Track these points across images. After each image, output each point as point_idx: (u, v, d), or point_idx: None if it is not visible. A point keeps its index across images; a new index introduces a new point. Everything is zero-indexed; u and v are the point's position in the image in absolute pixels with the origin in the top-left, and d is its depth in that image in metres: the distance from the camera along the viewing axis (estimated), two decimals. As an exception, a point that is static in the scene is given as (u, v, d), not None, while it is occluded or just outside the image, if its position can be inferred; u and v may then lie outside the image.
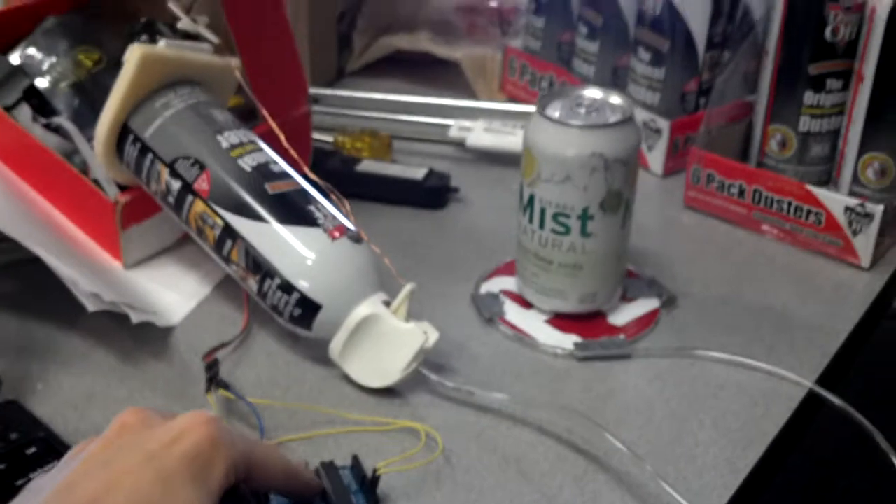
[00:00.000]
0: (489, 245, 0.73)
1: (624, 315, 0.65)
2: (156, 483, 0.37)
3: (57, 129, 0.72)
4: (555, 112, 0.61)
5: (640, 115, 0.82)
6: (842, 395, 0.59)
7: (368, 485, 0.50)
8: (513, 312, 0.65)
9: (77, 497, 0.36)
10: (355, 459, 0.52)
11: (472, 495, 0.52)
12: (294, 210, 0.59)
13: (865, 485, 1.37)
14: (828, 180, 0.78)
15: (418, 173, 0.79)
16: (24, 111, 0.74)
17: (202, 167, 0.60)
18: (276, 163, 0.61)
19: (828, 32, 0.73)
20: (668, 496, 0.51)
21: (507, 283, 0.68)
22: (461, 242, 0.74)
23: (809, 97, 0.75)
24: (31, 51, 0.78)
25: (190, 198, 0.60)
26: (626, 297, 0.67)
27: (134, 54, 0.60)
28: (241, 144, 0.61)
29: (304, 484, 0.47)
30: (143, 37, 0.72)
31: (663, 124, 0.82)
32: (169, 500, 0.37)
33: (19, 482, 0.50)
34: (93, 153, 0.67)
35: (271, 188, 0.59)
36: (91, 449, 0.39)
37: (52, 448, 0.52)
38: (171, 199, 0.61)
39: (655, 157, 0.83)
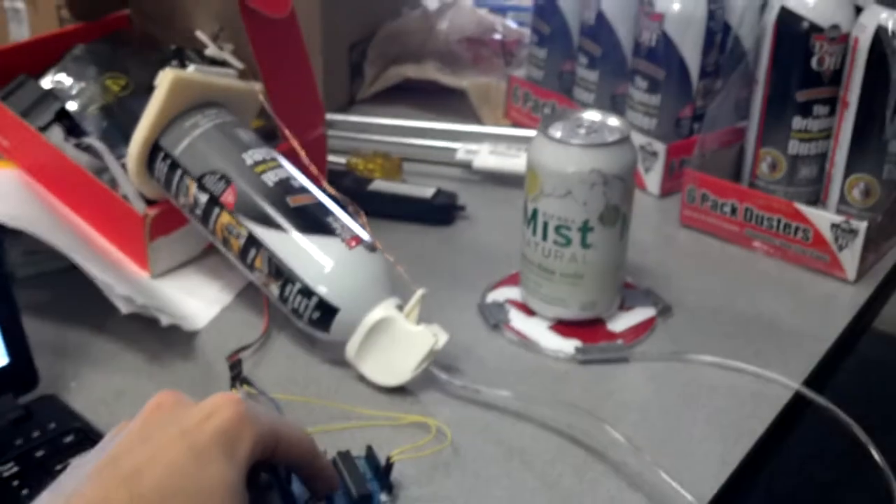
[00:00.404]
0: (494, 258, 0.77)
1: (622, 322, 0.69)
2: (190, 456, 0.41)
3: (87, 149, 0.76)
4: (557, 132, 0.65)
5: (638, 139, 0.86)
6: (827, 398, 0.63)
7: (382, 472, 0.54)
8: (517, 319, 0.69)
9: (120, 469, 0.40)
10: (369, 450, 0.55)
11: (479, 482, 0.55)
12: (313, 221, 0.63)
13: (845, 475, 1.41)
14: (816, 200, 0.82)
15: (427, 192, 0.83)
16: (56, 132, 0.78)
17: (228, 182, 0.64)
18: (296, 178, 0.66)
19: (814, 62, 0.77)
20: (664, 484, 0.54)
21: (512, 292, 0.72)
22: (468, 256, 0.79)
23: (798, 122, 0.80)
24: (61, 76, 0.83)
25: (216, 210, 0.64)
26: (625, 307, 0.71)
27: (165, 78, 0.65)
28: (265, 161, 0.66)
29: (324, 468, 0.50)
30: (174, 62, 0.77)
31: (660, 148, 0.86)
32: (202, 472, 0.41)
33: (58, 467, 0.54)
34: (122, 170, 0.72)
35: (292, 201, 0.64)
36: (130, 427, 0.43)
37: (87, 437, 0.56)
38: (198, 212, 0.66)
39: (652, 179, 0.87)
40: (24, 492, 0.52)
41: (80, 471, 0.41)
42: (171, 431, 0.42)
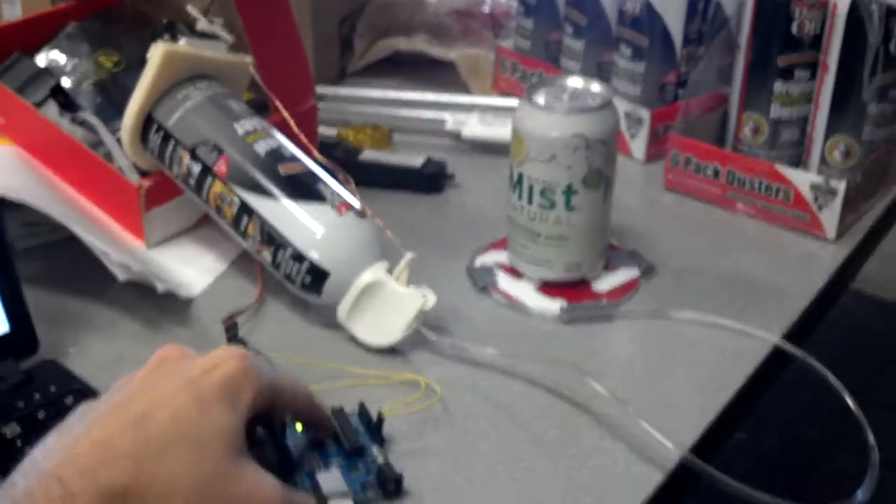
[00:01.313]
0: (482, 225, 0.78)
1: (606, 283, 0.71)
2: (193, 403, 0.43)
3: (82, 123, 0.78)
4: (541, 99, 0.67)
5: (623, 105, 0.88)
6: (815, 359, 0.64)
7: (374, 427, 0.56)
8: (505, 282, 0.71)
9: (127, 414, 0.42)
10: (362, 406, 0.57)
11: (468, 436, 0.57)
12: (304, 188, 0.65)
13: (831, 434, 1.43)
14: (798, 163, 0.84)
15: (417, 161, 0.85)
16: (52, 108, 0.80)
17: (220, 151, 0.66)
18: (286, 147, 0.67)
19: (794, 27, 0.79)
20: (645, 434, 0.56)
21: (500, 256, 0.74)
22: (457, 223, 0.81)
23: (779, 86, 0.81)
24: (55, 53, 0.84)
25: (209, 179, 0.66)
26: (609, 268, 0.72)
27: (157, 51, 0.67)
28: (256, 131, 0.67)
29: (321, 417, 0.52)
30: (165, 36, 0.78)
31: (644, 114, 0.88)
32: (204, 418, 0.43)
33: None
34: (116, 143, 0.73)
35: (283, 170, 0.65)
36: (136, 377, 0.45)
37: (87, 398, 0.57)
38: (191, 182, 0.67)
39: (638, 145, 0.89)
40: (27, 451, 0.54)
41: (88, 415, 0.43)
42: (176, 381, 0.44)
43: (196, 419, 0.43)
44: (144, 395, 0.43)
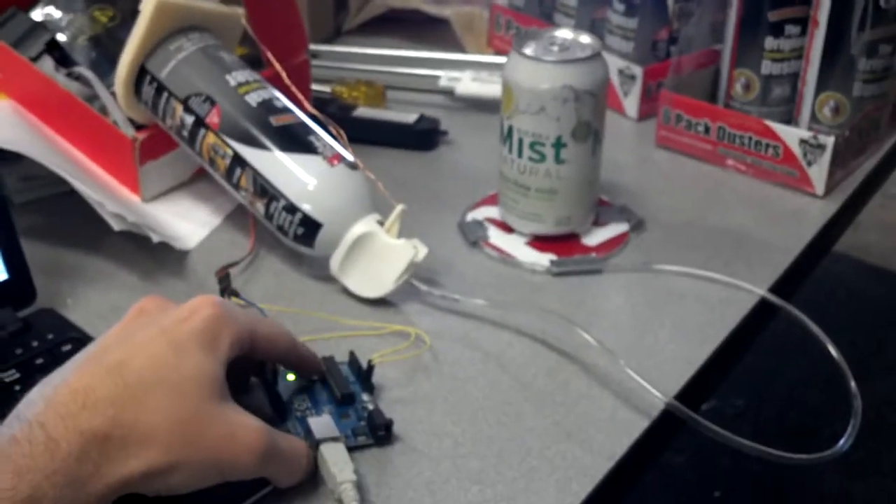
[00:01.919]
0: (475, 181, 0.79)
1: (596, 237, 0.72)
2: (170, 350, 0.44)
3: (78, 78, 0.78)
4: (529, 50, 0.67)
5: (616, 62, 0.88)
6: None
7: (364, 374, 0.57)
8: (496, 236, 0.72)
9: (104, 362, 0.43)
10: (352, 355, 0.58)
11: (457, 383, 0.59)
12: (296, 140, 0.65)
13: (805, 372, 1.45)
14: (789, 120, 0.84)
15: (410, 118, 0.86)
16: (47, 62, 0.80)
17: (213, 103, 0.66)
18: (279, 99, 0.68)
19: (785, -19, 0.79)
20: (631, 381, 0.57)
21: (491, 211, 0.74)
22: (449, 179, 0.81)
23: (770, 42, 0.81)
24: (50, 8, 0.85)
25: (202, 131, 0.67)
26: (599, 222, 0.73)
27: (149, 2, 0.67)
28: (248, 83, 0.68)
29: (306, 356, 0.54)
30: (158, -13, 0.78)
31: (637, 71, 0.88)
32: (182, 363, 0.44)
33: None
34: (111, 97, 0.74)
35: (275, 121, 0.66)
36: (114, 328, 0.46)
37: (83, 345, 0.58)
38: (185, 133, 0.68)
39: (630, 102, 0.90)
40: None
41: (67, 367, 0.44)
42: (152, 330, 0.45)
43: (173, 364, 0.44)
44: (121, 345, 0.45)
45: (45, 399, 0.42)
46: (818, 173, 0.77)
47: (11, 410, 0.52)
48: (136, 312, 0.48)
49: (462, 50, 1.01)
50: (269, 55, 0.71)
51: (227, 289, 0.64)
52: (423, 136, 0.85)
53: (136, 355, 0.44)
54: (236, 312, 0.48)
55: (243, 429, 0.45)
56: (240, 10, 0.73)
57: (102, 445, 0.41)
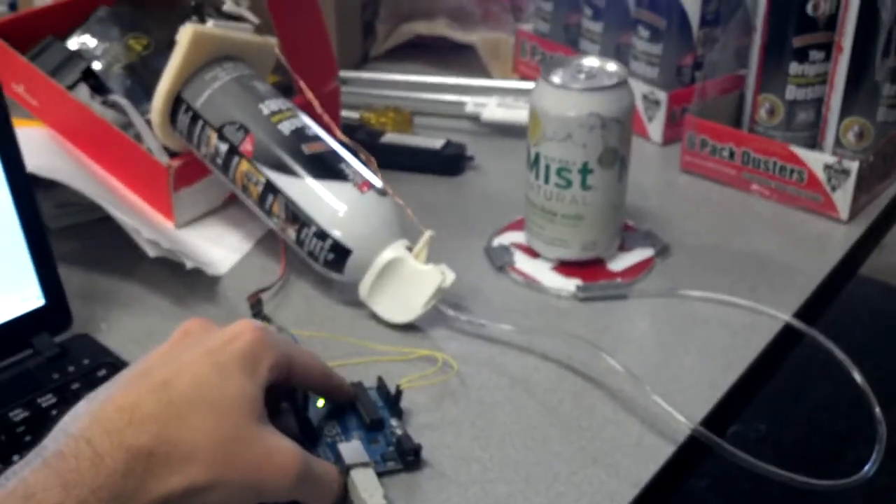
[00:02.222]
0: (501, 206, 0.80)
1: (622, 262, 0.73)
2: (213, 370, 0.45)
3: (113, 106, 0.80)
4: (557, 78, 0.68)
5: (641, 88, 0.89)
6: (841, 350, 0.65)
7: (393, 399, 0.58)
8: (522, 261, 0.73)
9: (151, 379, 0.45)
10: (380, 380, 0.59)
11: (484, 408, 0.59)
12: (327, 168, 0.67)
13: (829, 397, 1.43)
14: (814, 144, 0.85)
15: (437, 143, 0.87)
16: (83, 91, 0.82)
17: (246, 131, 0.68)
18: (310, 127, 0.69)
19: (809, 7, 0.80)
20: (657, 407, 0.58)
21: (517, 236, 0.75)
22: (475, 204, 0.82)
23: (794, 68, 0.82)
24: (86, 37, 0.87)
25: (236, 159, 0.68)
26: (624, 247, 0.74)
27: (186, 33, 0.69)
28: (281, 111, 0.69)
29: (338, 385, 0.55)
30: (193, 18, 0.80)
31: (662, 96, 0.89)
32: (224, 384, 0.45)
33: (93, 398, 0.58)
34: (146, 125, 0.75)
35: (307, 149, 0.67)
36: (160, 348, 0.47)
37: (118, 370, 0.59)
38: (219, 161, 0.69)
39: (655, 127, 0.90)
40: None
41: (112, 384, 0.45)
42: (197, 350, 0.46)
43: (216, 385, 0.45)
44: (167, 364, 0.46)
45: (91, 415, 0.43)
46: (842, 198, 0.77)
47: (49, 434, 0.54)
48: (182, 334, 0.49)
49: (488, 76, 1.03)
50: (302, 84, 0.72)
51: (258, 314, 0.65)
52: (450, 162, 0.86)
53: (180, 374, 0.45)
54: (276, 338, 0.49)
55: (280, 451, 0.46)
56: (273, 40, 0.75)
57: (147, 461, 0.42)
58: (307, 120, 0.70)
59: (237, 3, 0.75)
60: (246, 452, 0.45)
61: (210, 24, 0.72)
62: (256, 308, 0.66)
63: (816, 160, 0.78)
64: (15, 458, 0.53)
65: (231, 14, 0.76)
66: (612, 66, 0.69)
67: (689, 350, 0.64)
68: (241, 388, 0.46)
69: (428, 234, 0.66)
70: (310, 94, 0.71)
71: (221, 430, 0.44)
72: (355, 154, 0.69)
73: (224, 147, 0.69)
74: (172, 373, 0.45)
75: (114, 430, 0.42)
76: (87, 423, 0.43)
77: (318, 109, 0.71)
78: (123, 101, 0.78)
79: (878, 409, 0.60)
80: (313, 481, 0.49)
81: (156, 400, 0.44)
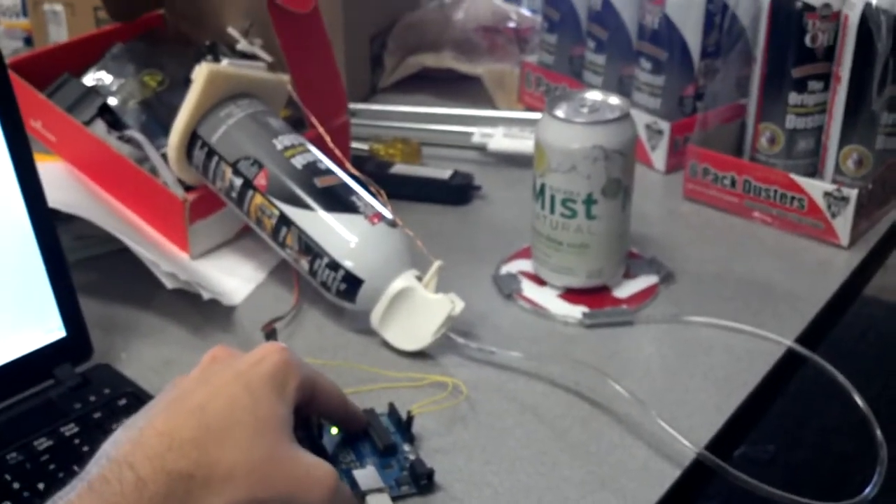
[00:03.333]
0: (508, 234, 0.82)
1: (627, 289, 0.74)
2: (245, 393, 0.47)
3: (129, 140, 0.82)
4: (561, 112, 0.70)
5: (643, 118, 0.91)
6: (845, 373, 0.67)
7: (404, 425, 0.59)
8: (529, 289, 0.75)
9: (187, 405, 0.46)
10: (391, 406, 0.61)
11: (494, 433, 0.61)
12: (339, 200, 0.69)
13: (835, 418, 1.43)
14: (814, 172, 0.86)
15: (445, 174, 0.89)
16: (99, 126, 0.84)
17: (260, 166, 0.70)
18: (322, 161, 0.71)
19: (807, 39, 0.82)
20: (663, 432, 0.59)
21: (524, 264, 0.77)
22: (483, 233, 0.84)
23: (794, 97, 0.84)
24: (102, 74, 0.89)
25: (250, 192, 0.70)
26: (629, 275, 0.76)
27: (202, 71, 0.71)
28: (293, 146, 0.71)
29: (354, 413, 0.56)
30: (209, 57, 0.82)
31: (664, 126, 0.91)
32: (257, 405, 0.47)
33: (114, 427, 0.59)
34: (161, 159, 0.78)
35: (319, 182, 0.69)
36: (191, 375, 0.49)
37: (138, 400, 0.62)
38: (234, 195, 0.71)
39: (658, 156, 0.92)
40: (85, 448, 0.58)
41: (149, 411, 0.47)
42: (228, 374, 0.48)
43: (249, 407, 0.47)
44: (200, 389, 0.48)
45: (131, 441, 0.45)
46: (843, 225, 0.79)
47: (73, 463, 0.55)
48: (210, 360, 0.51)
49: (494, 106, 1.05)
50: (313, 118, 0.74)
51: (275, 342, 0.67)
52: (458, 192, 0.88)
53: (214, 398, 0.47)
54: (300, 360, 0.51)
55: (315, 467, 0.48)
56: (285, 78, 0.77)
57: (187, 485, 0.44)
58: (319, 154, 0.72)
59: (251, 43, 0.77)
60: (283, 469, 0.47)
61: (225, 62, 0.74)
62: (271, 337, 0.67)
63: (816, 188, 0.80)
64: (40, 485, 0.55)
65: (245, 53, 0.78)
66: (614, 100, 0.71)
67: (693, 375, 0.66)
68: (273, 409, 0.48)
69: (437, 264, 0.68)
70: (322, 131, 0.73)
71: (257, 449, 0.46)
72: (365, 186, 0.71)
73: (239, 181, 0.71)
74: (207, 397, 0.47)
75: (155, 455, 0.44)
76: (128, 448, 0.44)
77: (330, 144, 0.73)
78: (139, 136, 0.81)
79: (879, 432, 0.61)
80: (346, 497, 0.50)
81: (194, 424, 0.45)
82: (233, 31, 0.77)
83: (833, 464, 1.59)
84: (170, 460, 0.44)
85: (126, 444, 0.45)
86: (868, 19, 0.78)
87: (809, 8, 0.81)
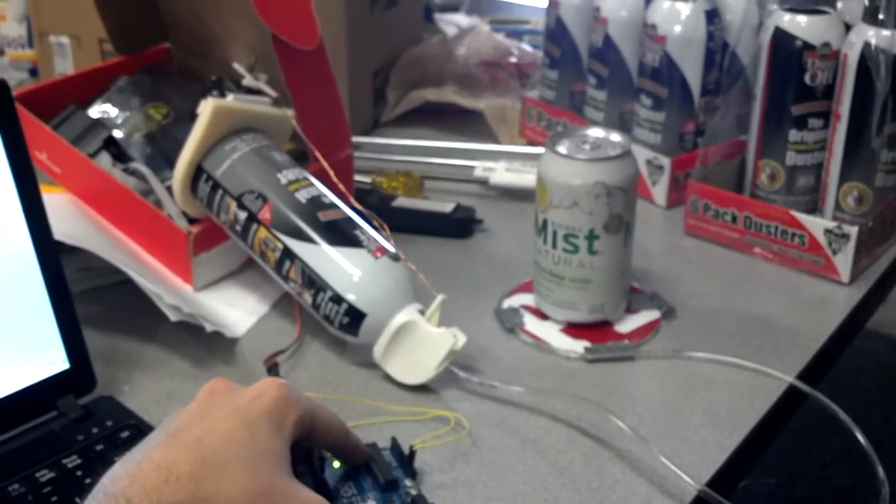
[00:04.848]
0: (510, 268, 0.82)
1: (628, 324, 0.75)
2: (243, 427, 0.47)
3: (134, 173, 0.83)
4: (563, 148, 0.71)
5: (644, 153, 0.92)
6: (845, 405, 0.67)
7: (406, 460, 0.59)
8: (531, 323, 0.75)
9: (184, 438, 0.46)
10: (394, 441, 0.61)
11: (497, 469, 0.61)
12: (342, 234, 0.69)
13: (837, 452, 1.43)
14: (814, 209, 0.87)
15: (447, 207, 0.89)
16: (104, 158, 0.85)
17: (265, 200, 0.71)
18: (326, 196, 0.72)
19: (807, 77, 0.83)
20: (665, 468, 0.59)
21: (526, 298, 0.77)
22: (485, 266, 0.84)
23: (794, 135, 0.85)
24: (107, 106, 0.90)
25: (255, 226, 0.71)
26: (631, 309, 0.76)
27: (207, 106, 0.72)
28: (297, 181, 0.72)
29: (356, 445, 0.56)
30: (214, 92, 0.83)
31: (665, 162, 0.92)
32: (254, 440, 0.47)
33: (116, 459, 0.59)
34: (166, 192, 0.78)
35: (323, 216, 0.70)
36: (189, 408, 0.49)
37: (141, 432, 0.62)
38: (238, 228, 0.72)
39: (659, 191, 0.93)
40: (87, 481, 0.58)
41: (147, 444, 0.47)
42: (226, 409, 0.48)
43: (247, 441, 0.47)
44: (198, 423, 0.48)
45: (129, 475, 0.45)
46: (843, 261, 0.80)
47: (75, 495, 0.55)
48: (208, 393, 0.51)
49: (496, 141, 1.06)
50: (317, 153, 0.75)
51: (275, 376, 0.67)
52: (460, 225, 0.89)
53: (212, 432, 0.47)
54: (299, 394, 0.51)
55: (312, 501, 0.48)
56: (290, 112, 0.78)
57: None
58: (323, 188, 0.72)
59: (256, 78, 0.78)
60: None
61: (230, 97, 0.75)
62: (273, 371, 0.68)
63: (817, 225, 0.80)
64: (42, 518, 0.55)
65: (250, 88, 0.79)
66: (616, 137, 0.72)
67: (695, 411, 0.66)
68: (271, 444, 0.48)
69: (440, 298, 0.68)
70: (325, 164, 0.74)
71: (254, 483, 0.46)
72: (369, 220, 0.72)
73: (243, 215, 0.71)
74: (204, 431, 0.47)
75: (152, 489, 0.44)
76: (126, 483, 0.44)
77: (333, 178, 0.73)
78: (144, 169, 0.81)
79: (880, 469, 0.61)
80: None
81: (191, 458, 0.45)
82: (238, 67, 0.78)
83: (834, 498, 1.59)
84: (167, 493, 0.44)
85: (124, 477, 0.45)
86: (867, 58, 0.79)
87: (809, 47, 0.82)
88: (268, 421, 0.48)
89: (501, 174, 0.95)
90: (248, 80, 0.78)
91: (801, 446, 1.64)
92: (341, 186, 0.74)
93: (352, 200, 0.73)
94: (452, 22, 1.27)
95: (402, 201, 0.91)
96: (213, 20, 0.86)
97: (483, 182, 0.96)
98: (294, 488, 0.48)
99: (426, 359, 0.67)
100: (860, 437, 0.63)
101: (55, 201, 0.81)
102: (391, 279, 0.68)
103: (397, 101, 1.11)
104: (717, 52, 0.91)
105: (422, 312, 0.68)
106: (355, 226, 0.70)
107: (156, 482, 0.44)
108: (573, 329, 0.74)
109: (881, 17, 0.79)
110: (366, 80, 1.09)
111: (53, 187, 0.84)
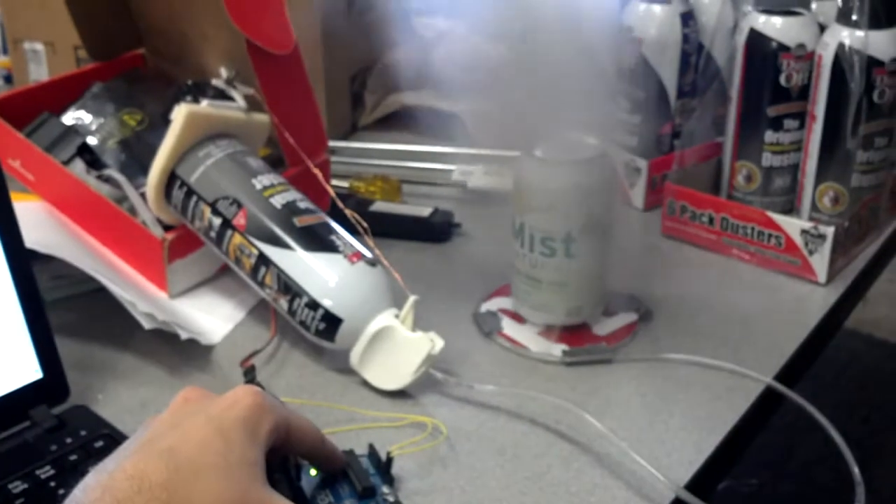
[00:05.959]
0: (488, 272, 0.82)
1: (606, 327, 0.74)
2: (217, 436, 0.47)
3: (108, 180, 0.82)
4: (539, 151, 0.71)
5: (621, 156, 0.92)
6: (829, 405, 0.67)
7: (383, 467, 0.59)
8: (509, 327, 0.75)
9: (156, 447, 0.46)
10: (371, 447, 0.60)
11: (474, 473, 0.61)
12: (318, 240, 0.69)
13: (818, 451, 1.44)
14: (790, 209, 0.87)
15: (425, 211, 0.89)
16: (78, 165, 0.84)
17: (240, 206, 0.70)
18: (302, 200, 0.71)
19: (782, 79, 0.83)
20: (643, 470, 0.59)
21: (504, 302, 0.77)
22: (463, 271, 0.84)
23: (770, 136, 0.85)
24: (81, 113, 0.89)
25: (229, 232, 0.70)
26: (609, 312, 0.76)
27: (181, 112, 0.71)
28: (273, 186, 0.71)
29: (332, 452, 0.56)
30: (188, 97, 0.82)
31: (642, 164, 0.92)
32: (228, 449, 0.46)
33: (90, 469, 0.59)
34: (140, 199, 0.78)
35: (299, 222, 0.69)
36: (162, 417, 0.49)
37: (115, 442, 0.61)
38: (212, 234, 0.71)
39: (636, 193, 0.93)
40: (60, 491, 0.57)
41: (119, 454, 0.46)
42: (199, 418, 0.47)
43: (221, 450, 0.46)
44: (171, 431, 0.47)
45: (101, 485, 0.44)
46: (820, 262, 0.80)
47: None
48: (181, 401, 0.51)
49: (473, 144, 1.05)
50: (303, 155, 0.75)
51: (251, 381, 0.66)
52: (438, 229, 0.88)
53: (185, 441, 0.46)
54: (274, 402, 0.51)
55: None
56: (265, 118, 0.77)
57: None
58: (298, 193, 0.72)
59: (230, 84, 0.77)
60: None
61: (204, 103, 0.74)
62: (250, 375, 0.67)
63: (793, 226, 0.80)
64: (14, 530, 0.54)
65: (225, 93, 0.79)
66: (592, 139, 0.72)
67: (673, 413, 0.66)
68: (245, 452, 0.47)
69: (412, 299, 0.68)
70: (310, 165, 0.74)
71: (228, 493, 0.45)
72: (346, 224, 0.71)
73: (218, 221, 0.71)
74: (177, 440, 0.46)
75: (125, 499, 0.43)
76: (98, 493, 0.44)
77: (319, 177, 0.73)
78: (118, 176, 0.81)
79: (856, 470, 0.61)
80: None
81: (163, 467, 0.45)
82: (217, 83, 0.78)
83: (816, 496, 1.59)
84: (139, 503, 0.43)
85: (96, 488, 0.44)
86: (841, 59, 0.79)
87: (784, 48, 0.82)
88: (242, 429, 0.48)
89: (480, 178, 0.95)
90: (221, 85, 0.78)
91: (783, 446, 1.64)
92: (327, 186, 0.73)
93: (336, 199, 0.73)
94: (430, 26, 1.27)
95: (379, 206, 0.91)
96: (186, 25, 0.86)
97: (461, 186, 0.96)
98: (269, 497, 0.47)
99: (403, 364, 0.67)
100: (836, 437, 0.64)
101: (28, 209, 0.81)
102: (368, 284, 0.68)
103: (375, 105, 1.10)
104: (693, 54, 0.91)
105: (399, 317, 0.68)
106: (331, 230, 0.70)
107: (128, 492, 0.44)
108: (551, 332, 0.74)
109: (855, 17, 0.79)
110: (343, 85, 1.08)
111: (27, 195, 0.84)
